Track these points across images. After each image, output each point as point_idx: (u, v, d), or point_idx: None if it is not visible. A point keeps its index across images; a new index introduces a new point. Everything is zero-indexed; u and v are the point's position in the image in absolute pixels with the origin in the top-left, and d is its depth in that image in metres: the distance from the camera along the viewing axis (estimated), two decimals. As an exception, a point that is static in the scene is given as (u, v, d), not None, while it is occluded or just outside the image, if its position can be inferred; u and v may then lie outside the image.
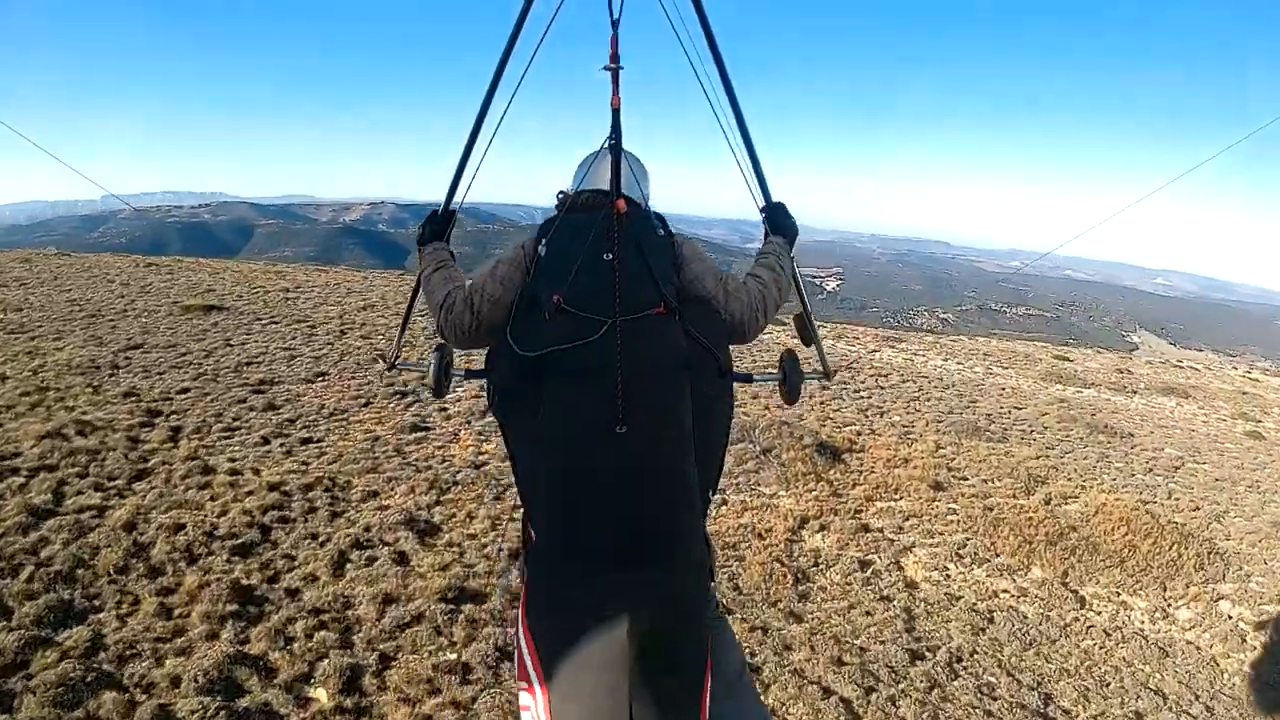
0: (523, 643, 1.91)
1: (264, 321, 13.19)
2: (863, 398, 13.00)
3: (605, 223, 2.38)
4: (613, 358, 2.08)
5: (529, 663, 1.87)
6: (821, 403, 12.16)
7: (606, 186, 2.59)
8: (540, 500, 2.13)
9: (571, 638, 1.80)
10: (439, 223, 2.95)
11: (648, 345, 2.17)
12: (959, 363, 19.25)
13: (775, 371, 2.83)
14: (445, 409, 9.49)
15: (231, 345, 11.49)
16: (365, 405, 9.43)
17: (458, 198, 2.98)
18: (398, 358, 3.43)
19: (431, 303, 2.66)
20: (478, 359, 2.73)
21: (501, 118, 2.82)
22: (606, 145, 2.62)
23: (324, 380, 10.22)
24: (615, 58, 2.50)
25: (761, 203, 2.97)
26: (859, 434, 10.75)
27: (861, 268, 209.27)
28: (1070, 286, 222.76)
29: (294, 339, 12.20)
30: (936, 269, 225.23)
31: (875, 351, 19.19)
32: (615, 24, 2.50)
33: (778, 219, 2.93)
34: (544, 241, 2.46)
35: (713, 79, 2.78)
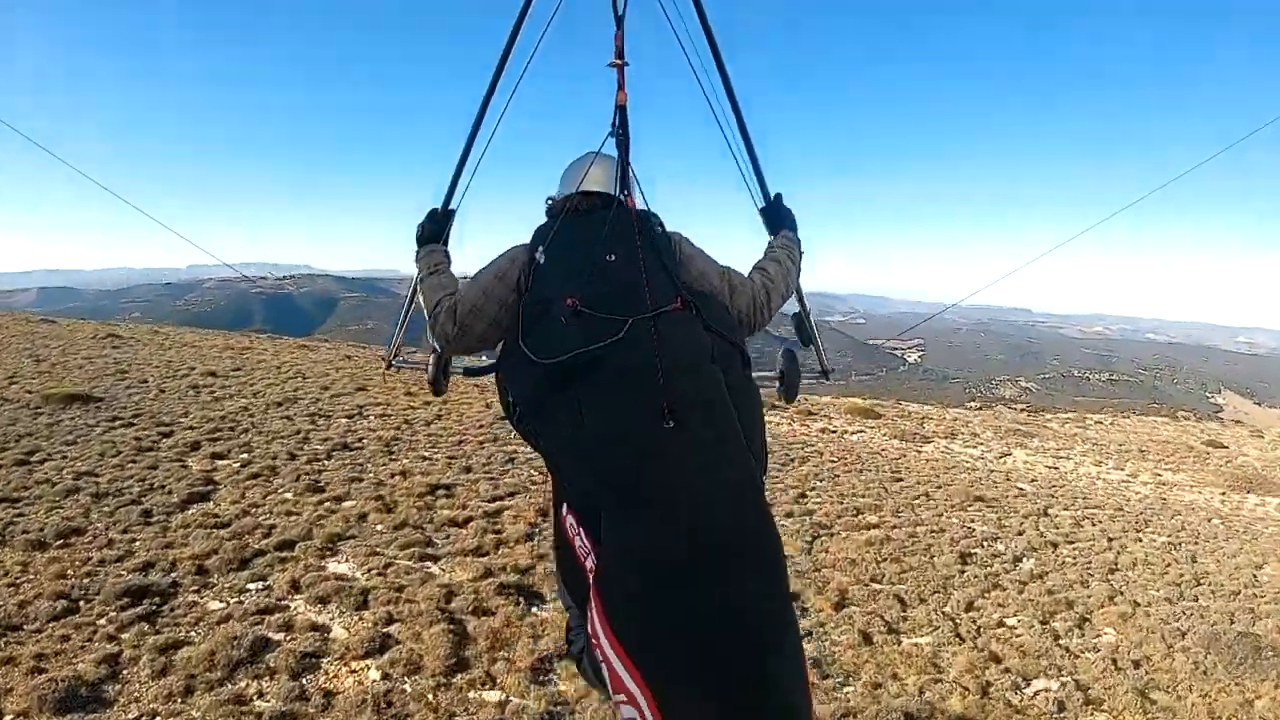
0: (612, 655, 1.82)
1: (117, 423, 9.40)
2: (1032, 580, 7.34)
3: (614, 221, 2.44)
4: (647, 355, 2.09)
5: (625, 675, 1.78)
6: (975, 606, 6.61)
7: (599, 188, 2.68)
8: (608, 505, 1.99)
9: (680, 640, 1.74)
10: (438, 222, 2.95)
11: (674, 340, 2.16)
12: (1116, 467, 15.07)
13: (774, 372, 2.95)
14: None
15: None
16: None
17: (458, 196, 3.02)
18: (396, 356, 3.45)
19: (424, 308, 2.65)
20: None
21: (501, 116, 2.94)
22: (599, 149, 2.73)
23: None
24: (620, 54, 2.63)
25: (761, 202, 3.13)
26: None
27: (943, 339, 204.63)
28: (1153, 349, 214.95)
29: (121, 455, 8.09)
30: (1019, 337, 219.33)
31: (1005, 456, 15.16)
32: (620, 20, 2.63)
33: (778, 215, 3.06)
34: (542, 249, 2.45)
35: (713, 79, 2.91)
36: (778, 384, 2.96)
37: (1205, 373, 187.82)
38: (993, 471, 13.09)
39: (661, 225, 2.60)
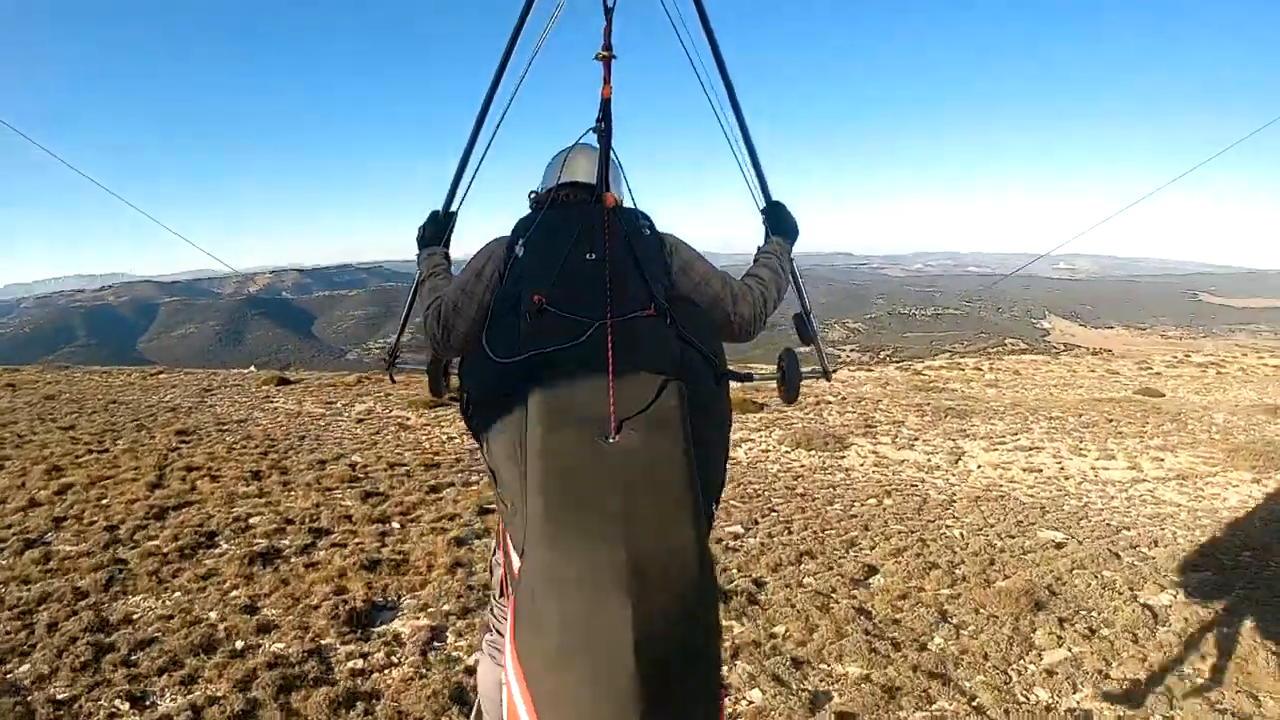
0: (513, 678, 1.63)
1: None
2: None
3: (593, 218, 2.32)
4: (602, 363, 1.94)
5: (520, 700, 1.58)
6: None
7: (583, 179, 2.63)
8: (531, 519, 1.79)
9: (571, 666, 1.55)
10: (439, 224, 2.96)
11: (638, 349, 2.03)
12: (1103, 455, 10.85)
13: (774, 371, 2.82)
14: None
15: None
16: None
17: (459, 198, 3.01)
18: (397, 358, 3.35)
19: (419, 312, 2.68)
20: None
21: (503, 116, 2.89)
22: (581, 140, 2.65)
23: None
24: (608, 46, 2.50)
25: (762, 203, 3.07)
26: None
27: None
28: (975, 282, 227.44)
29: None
30: (843, 281, 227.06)
31: (958, 458, 10.68)
32: (609, 12, 2.51)
33: (779, 218, 3.00)
34: (521, 241, 2.36)
35: (713, 78, 2.89)
36: (778, 384, 2.78)
37: (1029, 300, 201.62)
38: (980, 499, 8.42)
39: (651, 226, 2.47)
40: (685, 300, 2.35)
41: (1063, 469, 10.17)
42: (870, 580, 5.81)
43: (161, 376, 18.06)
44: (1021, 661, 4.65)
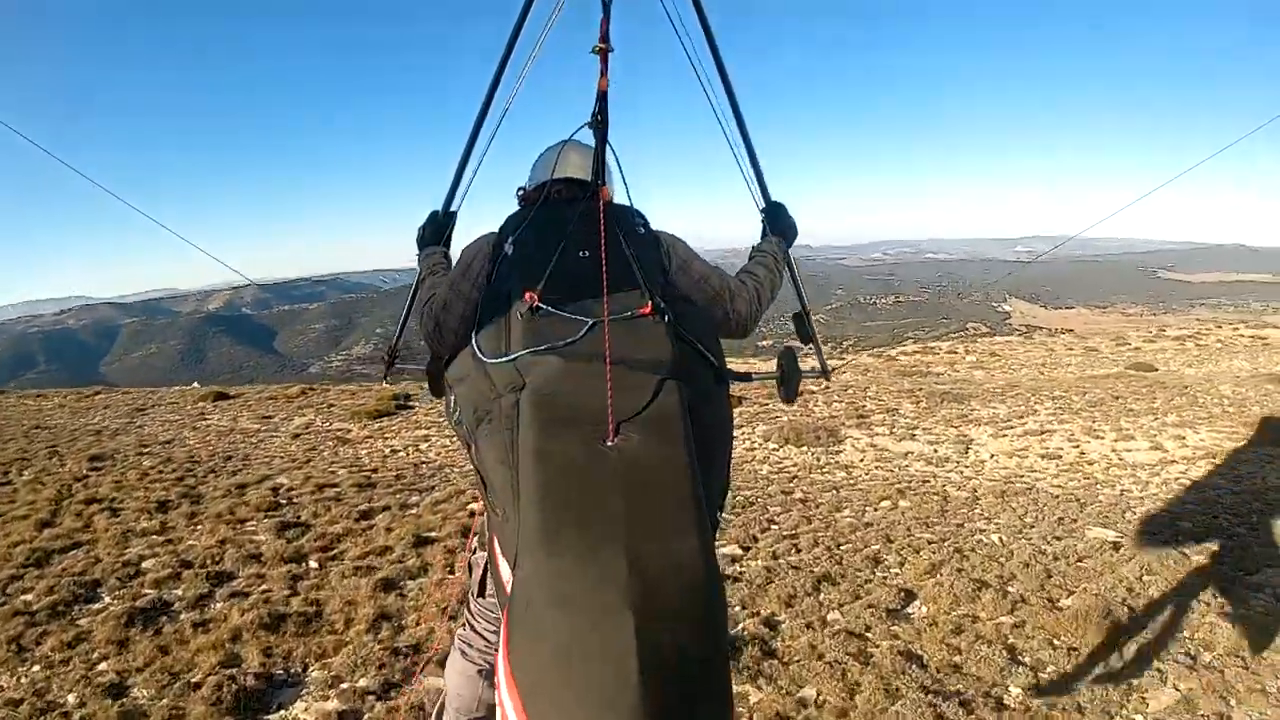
0: (505, 695, 1.56)
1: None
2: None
3: (587, 214, 2.26)
4: (598, 363, 1.88)
5: (511, 709, 1.53)
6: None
7: (575, 174, 2.59)
8: (526, 527, 1.70)
9: (569, 681, 1.48)
10: (439, 224, 2.91)
11: (635, 348, 1.97)
12: (1123, 436, 9.86)
13: (773, 371, 2.80)
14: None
15: None
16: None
17: (458, 198, 2.97)
18: (396, 358, 3.22)
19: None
20: None
21: (503, 116, 2.81)
22: (575, 134, 2.60)
23: None
24: (605, 39, 2.36)
25: (762, 203, 3.03)
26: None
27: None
28: (934, 268, 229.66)
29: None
30: (801, 272, 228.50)
31: (967, 446, 9.66)
32: (607, 5, 2.35)
33: (778, 219, 2.96)
34: (511, 239, 2.32)
35: (711, 78, 2.82)
36: (777, 384, 2.76)
37: (988, 283, 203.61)
38: (1005, 494, 7.34)
39: (646, 224, 2.46)
40: (683, 299, 2.31)
41: (1083, 454, 9.19)
42: (909, 609, 4.67)
43: (97, 398, 16.44)
44: (1125, 711, 3.57)
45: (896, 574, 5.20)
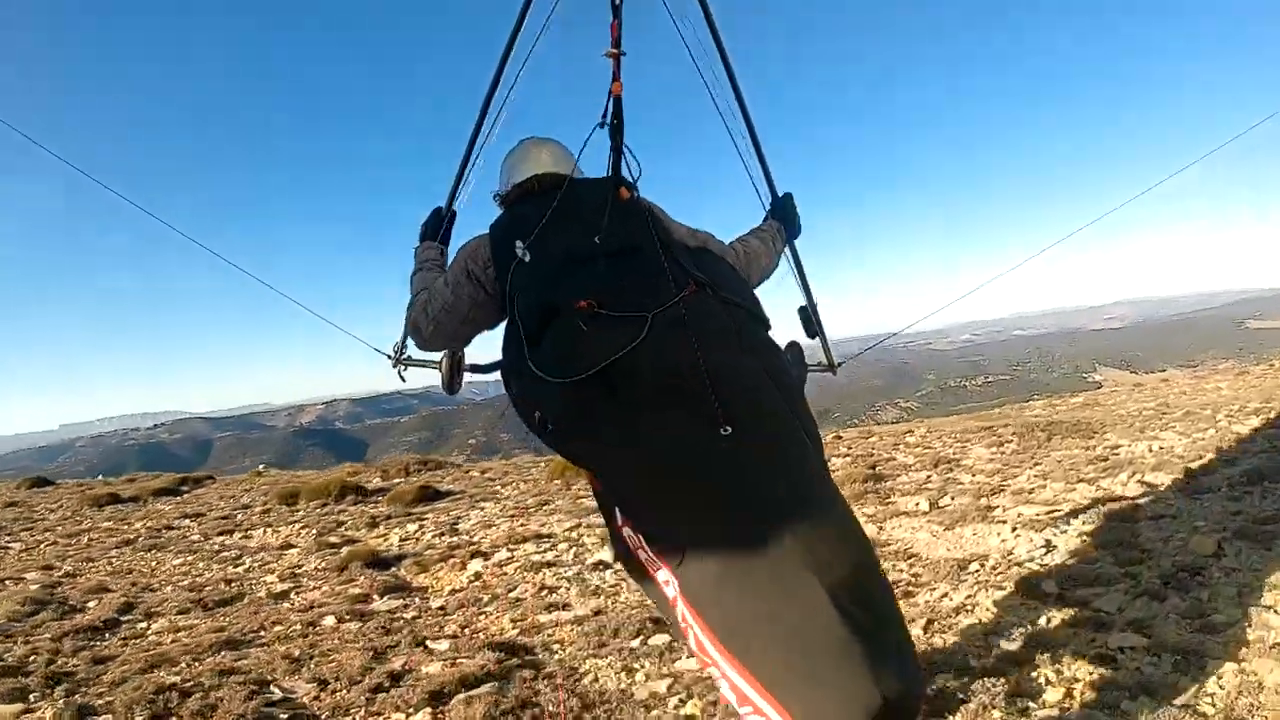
0: (729, 670, 1.71)
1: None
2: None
3: (583, 206, 2.35)
4: (677, 353, 1.92)
5: (746, 687, 1.68)
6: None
7: (549, 170, 2.66)
8: (681, 522, 1.85)
9: (793, 644, 1.64)
10: (440, 220, 2.99)
11: (704, 332, 1.99)
12: None
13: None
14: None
15: None
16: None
17: (458, 198, 3.05)
18: (404, 353, 3.22)
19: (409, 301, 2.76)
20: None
21: (498, 115, 2.91)
22: (588, 138, 2.62)
23: None
24: (617, 43, 2.51)
25: (769, 202, 3.06)
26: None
27: (811, 379, 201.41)
28: (1022, 344, 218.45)
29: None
30: (892, 360, 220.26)
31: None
32: (617, 9, 2.49)
33: (783, 207, 3.00)
34: (522, 245, 2.29)
35: (717, 75, 2.92)
36: None
37: (1077, 355, 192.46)
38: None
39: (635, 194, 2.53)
40: (709, 266, 2.34)
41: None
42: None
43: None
44: None
45: None
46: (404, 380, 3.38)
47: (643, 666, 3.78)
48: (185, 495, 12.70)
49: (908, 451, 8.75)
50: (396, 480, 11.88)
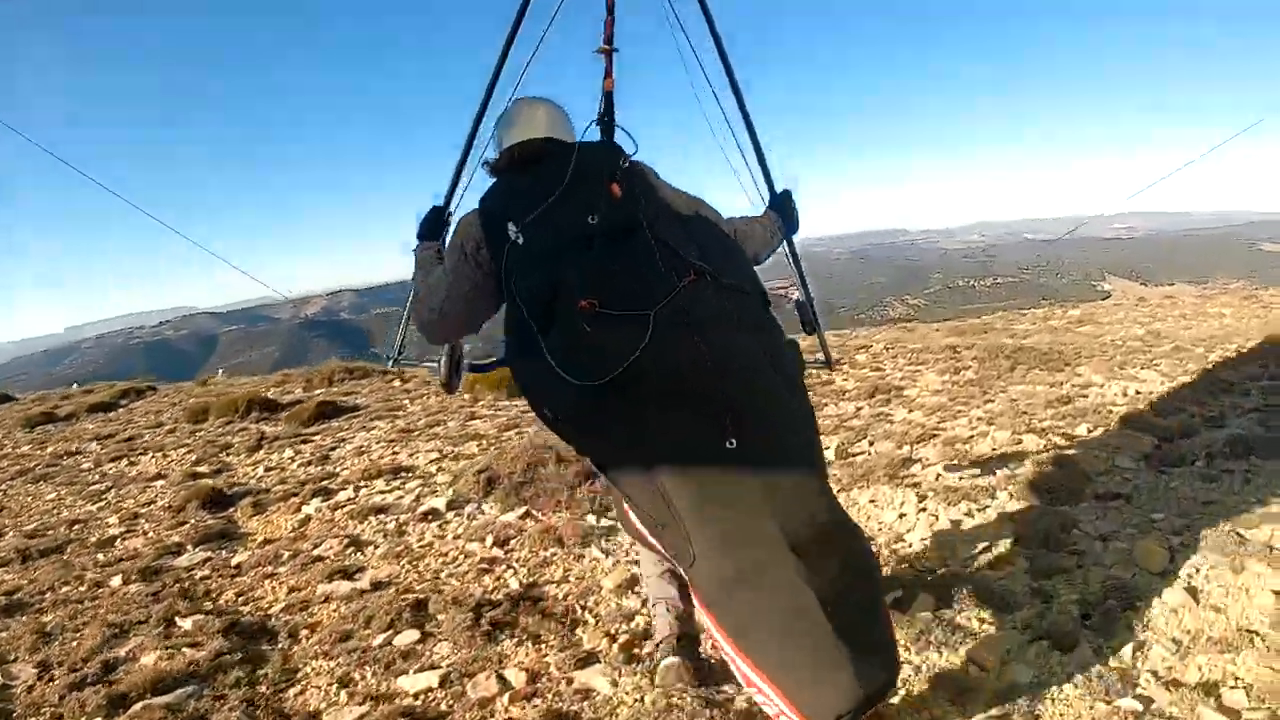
0: (735, 657, 1.84)
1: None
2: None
3: (575, 185, 2.23)
4: (676, 354, 1.93)
5: (750, 673, 1.81)
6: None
7: (545, 134, 2.49)
8: (691, 522, 1.87)
9: (790, 633, 1.77)
10: (438, 218, 2.86)
11: (703, 319, 2.00)
12: None
13: None
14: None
15: None
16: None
17: (456, 197, 2.95)
18: (401, 353, 3.28)
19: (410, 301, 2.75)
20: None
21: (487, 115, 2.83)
22: (583, 134, 2.59)
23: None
24: (610, 40, 2.54)
25: (766, 199, 2.95)
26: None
27: (821, 271, 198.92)
28: (1033, 249, 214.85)
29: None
30: (898, 258, 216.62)
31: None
32: (611, 7, 2.55)
33: (781, 205, 2.87)
34: (515, 227, 2.19)
35: (715, 72, 2.90)
36: None
37: (1087, 262, 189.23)
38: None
39: (628, 161, 2.36)
40: (706, 244, 2.26)
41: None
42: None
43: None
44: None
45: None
46: (402, 378, 3.13)
47: (364, 678, 2.82)
48: (121, 411, 11.71)
49: (850, 374, 7.66)
50: (318, 391, 10.90)
